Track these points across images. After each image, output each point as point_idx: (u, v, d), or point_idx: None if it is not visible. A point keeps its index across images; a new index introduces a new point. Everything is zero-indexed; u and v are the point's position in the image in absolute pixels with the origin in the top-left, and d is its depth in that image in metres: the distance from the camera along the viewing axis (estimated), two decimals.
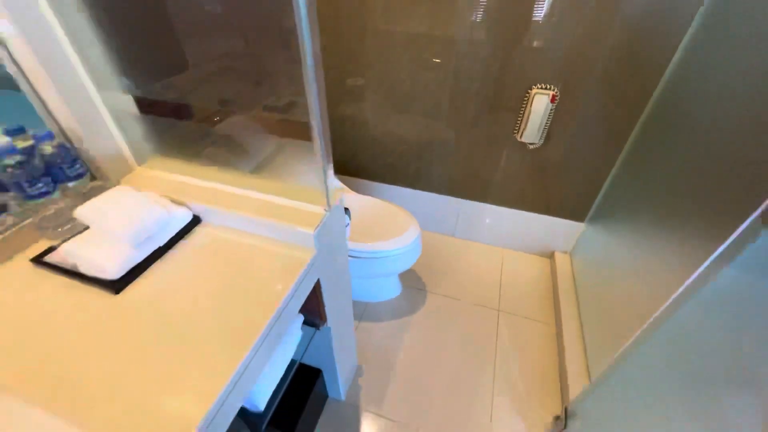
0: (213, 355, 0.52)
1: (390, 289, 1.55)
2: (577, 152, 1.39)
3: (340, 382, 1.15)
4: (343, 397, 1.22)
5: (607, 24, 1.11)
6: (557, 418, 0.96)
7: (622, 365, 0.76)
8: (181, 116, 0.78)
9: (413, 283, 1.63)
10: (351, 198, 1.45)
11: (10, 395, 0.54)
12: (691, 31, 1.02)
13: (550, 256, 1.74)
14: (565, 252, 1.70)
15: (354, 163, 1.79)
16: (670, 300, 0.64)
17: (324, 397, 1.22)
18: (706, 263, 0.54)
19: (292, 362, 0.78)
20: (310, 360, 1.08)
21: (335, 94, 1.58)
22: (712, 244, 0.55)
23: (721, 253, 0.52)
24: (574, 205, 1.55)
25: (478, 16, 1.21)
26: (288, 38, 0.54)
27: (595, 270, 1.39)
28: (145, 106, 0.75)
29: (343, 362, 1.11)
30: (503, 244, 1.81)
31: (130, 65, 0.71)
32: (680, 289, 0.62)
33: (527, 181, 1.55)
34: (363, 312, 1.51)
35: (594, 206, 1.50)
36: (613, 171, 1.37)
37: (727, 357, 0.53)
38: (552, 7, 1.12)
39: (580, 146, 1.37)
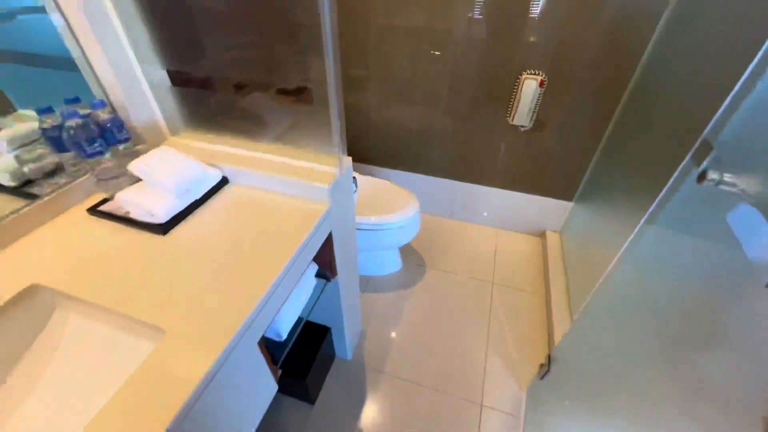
0: (250, 275, 0.63)
1: (391, 264, 1.67)
2: (565, 134, 1.51)
3: (347, 341, 1.26)
4: (349, 356, 1.34)
5: (591, 14, 1.22)
6: (542, 365, 1.07)
7: (588, 312, 0.87)
8: (208, 88, 0.88)
9: (413, 259, 1.74)
10: (355, 177, 1.56)
11: (79, 314, 0.66)
12: (661, 24, 1.14)
13: (542, 235, 1.86)
14: (555, 231, 1.81)
15: (357, 149, 1.90)
16: (622, 249, 0.75)
17: (332, 356, 1.33)
18: (651, 207, 0.66)
19: (300, 320, 0.89)
20: (320, 317, 1.20)
21: None
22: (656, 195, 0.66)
23: (663, 197, 0.63)
24: (563, 184, 1.66)
25: (473, 9, 1.32)
26: (306, 18, 0.65)
27: (581, 244, 1.50)
28: (178, 81, 0.87)
29: (350, 321, 1.22)
30: (498, 224, 1.92)
31: (167, 48, 0.82)
32: (626, 242, 0.73)
33: (519, 162, 1.66)
34: (366, 285, 1.62)
35: (581, 185, 1.61)
36: (598, 150, 1.49)
37: (672, 299, 0.64)
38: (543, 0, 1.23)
39: (567, 128, 1.49)
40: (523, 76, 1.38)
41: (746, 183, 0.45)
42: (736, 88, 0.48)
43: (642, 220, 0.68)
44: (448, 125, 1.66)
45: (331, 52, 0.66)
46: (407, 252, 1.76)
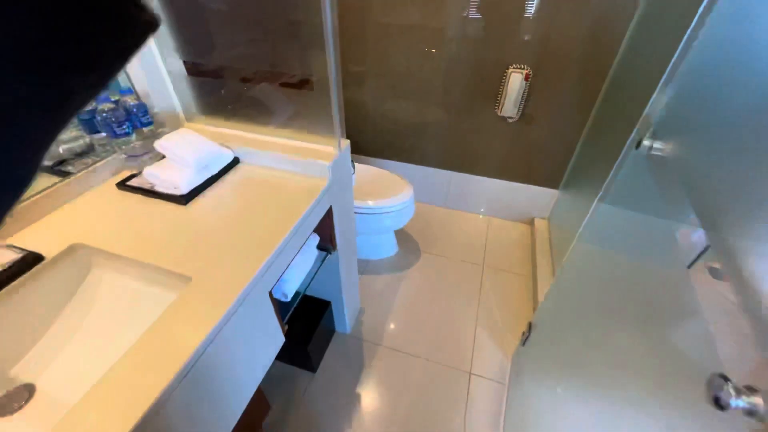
0: (261, 236, 0.73)
1: (388, 248, 1.77)
2: (550, 125, 1.61)
3: (346, 315, 1.36)
4: (349, 330, 1.44)
5: (573, 12, 1.32)
6: (524, 333, 1.18)
7: (558, 283, 0.98)
8: (219, 78, 0.98)
9: (408, 244, 1.84)
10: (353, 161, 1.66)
11: (114, 271, 0.76)
12: (633, 21, 1.24)
13: (531, 222, 1.96)
14: (544, 218, 1.92)
15: (355, 141, 2.00)
16: (582, 225, 0.85)
17: (332, 330, 1.43)
18: (604, 184, 0.76)
19: (297, 294, 0.97)
20: (321, 292, 1.30)
21: None
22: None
23: (613, 173, 0.73)
24: (549, 173, 1.76)
25: (464, 8, 1.42)
26: (309, 15, 0.75)
27: (564, 229, 1.60)
28: (193, 71, 0.97)
29: (349, 296, 1.33)
30: (489, 212, 2.02)
31: (184, 41, 0.92)
32: (585, 219, 0.83)
33: (508, 152, 1.77)
34: (365, 267, 1.72)
35: (566, 174, 1.72)
36: (580, 140, 1.59)
37: (614, 267, 0.73)
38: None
39: (552, 119, 1.59)
40: (510, 70, 1.48)
41: (670, 148, 0.55)
42: (666, 72, 0.58)
43: (596, 199, 0.78)
44: (442, 117, 1.76)
45: (332, 46, 0.76)
46: (403, 238, 1.87)
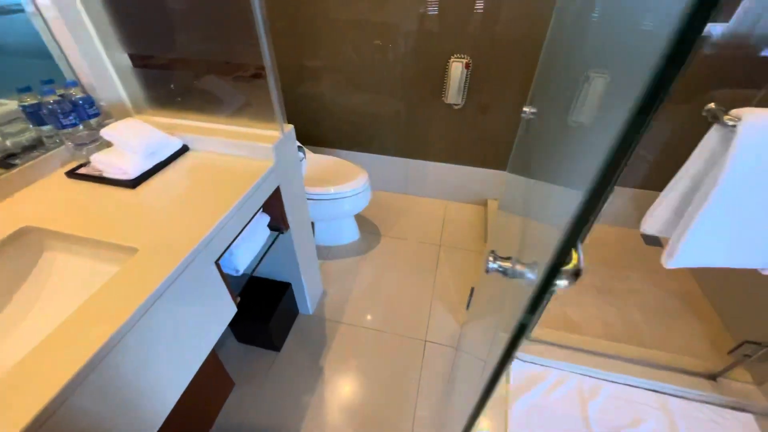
0: (205, 212, 0.80)
1: (349, 234, 1.85)
2: (493, 110, 1.73)
3: (307, 297, 1.43)
4: (311, 312, 1.51)
5: (505, 2, 1.44)
6: (468, 298, 1.29)
7: (488, 249, 1.10)
8: (164, 69, 1.03)
9: (369, 229, 1.93)
10: (310, 156, 1.73)
11: (66, 252, 0.80)
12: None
13: (484, 203, 2.09)
14: (496, 199, 2.05)
15: (314, 133, 2.07)
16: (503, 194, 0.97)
17: (295, 312, 1.50)
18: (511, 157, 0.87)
19: (246, 275, 1.03)
20: (279, 274, 1.36)
21: (295, 74, 1.85)
22: None
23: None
24: (496, 156, 1.89)
25: (421, 4, 1.51)
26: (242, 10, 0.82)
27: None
28: (139, 63, 1.01)
29: (308, 277, 1.40)
30: (446, 197, 2.14)
31: (127, 34, 0.97)
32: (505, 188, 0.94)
33: (458, 138, 1.88)
34: (328, 253, 1.80)
35: (512, 155, 1.85)
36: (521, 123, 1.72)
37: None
38: None
39: (494, 104, 1.71)
40: (451, 60, 1.59)
41: (533, 111, 0.66)
42: (544, 44, 0.70)
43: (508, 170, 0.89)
44: (396, 107, 1.86)
45: (263, 34, 0.83)
46: (364, 224, 1.95)
